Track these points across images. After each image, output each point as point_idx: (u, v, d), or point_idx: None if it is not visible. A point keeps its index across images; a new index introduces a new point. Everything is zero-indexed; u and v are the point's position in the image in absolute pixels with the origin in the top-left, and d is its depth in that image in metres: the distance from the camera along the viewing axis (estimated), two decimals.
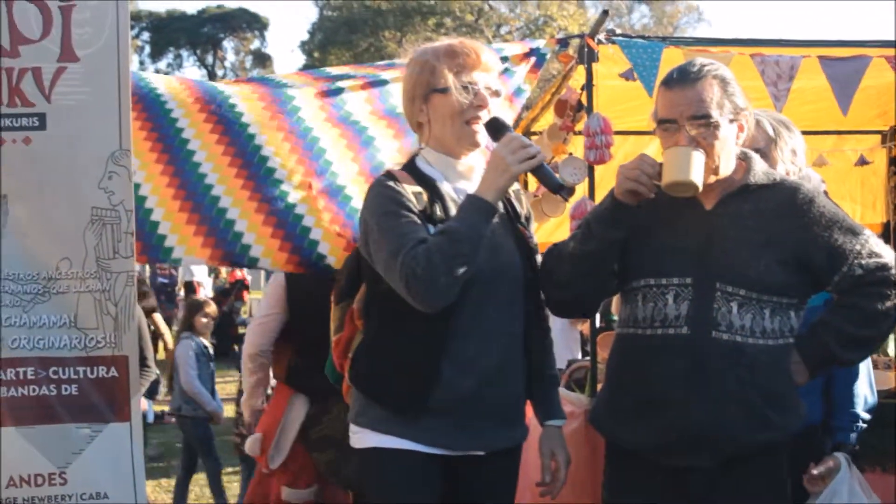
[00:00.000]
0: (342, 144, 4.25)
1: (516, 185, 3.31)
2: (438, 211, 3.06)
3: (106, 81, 3.45)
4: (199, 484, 7.91)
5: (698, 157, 2.97)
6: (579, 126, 5.50)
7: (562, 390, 5.02)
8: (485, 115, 3.11)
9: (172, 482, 7.88)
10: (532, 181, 6.70)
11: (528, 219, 3.35)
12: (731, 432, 3.05)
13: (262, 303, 4.75)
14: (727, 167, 3.13)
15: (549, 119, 6.19)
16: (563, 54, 5.39)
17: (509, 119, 4.60)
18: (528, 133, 6.98)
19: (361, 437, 3.14)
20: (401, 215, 3.00)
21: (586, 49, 4.97)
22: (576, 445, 4.05)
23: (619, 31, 5.10)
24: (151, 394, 10.04)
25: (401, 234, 2.96)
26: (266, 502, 4.57)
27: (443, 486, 3.17)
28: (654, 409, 3.11)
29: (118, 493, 3.50)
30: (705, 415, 3.04)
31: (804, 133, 6.66)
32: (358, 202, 3.92)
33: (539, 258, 3.33)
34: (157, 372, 7.01)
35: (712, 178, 3.09)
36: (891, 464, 4.53)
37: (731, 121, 3.08)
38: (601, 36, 4.96)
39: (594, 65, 4.98)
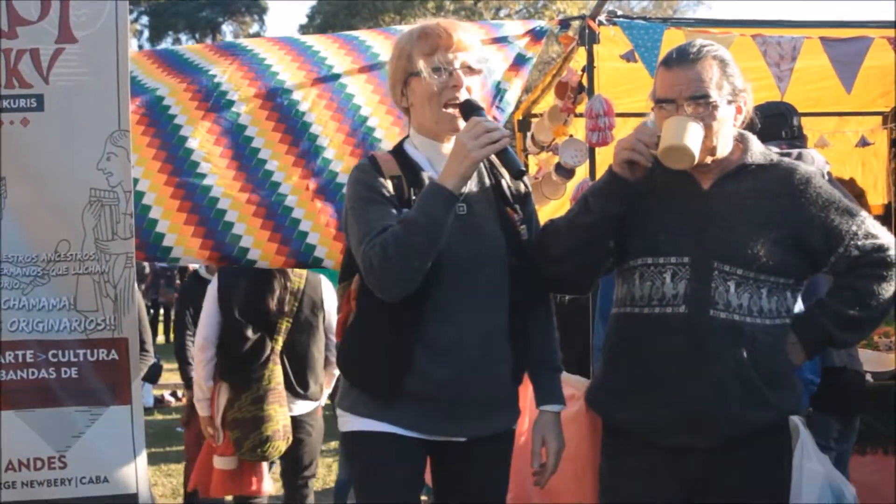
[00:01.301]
0: (340, 139, 4.29)
1: None
2: (415, 196, 3.01)
3: (105, 62, 3.44)
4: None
5: (696, 127, 2.95)
6: (580, 108, 5.48)
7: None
8: (463, 94, 3.06)
9: (172, 466, 7.90)
10: (533, 163, 6.73)
11: (524, 197, 3.29)
12: (730, 412, 3.03)
13: (204, 303, 5.36)
14: (724, 148, 3.12)
15: (549, 101, 6.17)
16: (563, 36, 5.37)
17: (516, 89, 4.60)
18: (528, 115, 6.97)
19: (344, 421, 3.13)
20: (372, 201, 2.99)
21: (587, 31, 4.95)
22: (577, 427, 4.04)
23: (619, 12, 5.07)
24: (153, 379, 10.01)
25: (366, 221, 2.95)
26: (209, 469, 5.42)
27: (429, 469, 3.17)
28: (652, 388, 3.09)
29: (118, 477, 3.50)
30: (703, 394, 3.02)
31: (806, 114, 6.69)
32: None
33: (526, 235, 3.22)
34: (156, 358, 6.95)
35: (709, 159, 3.08)
36: (892, 446, 4.53)
37: (730, 102, 3.07)
38: (602, 17, 4.94)
39: (595, 46, 4.96)
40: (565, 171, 5.92)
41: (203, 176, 4.13)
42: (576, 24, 5.20)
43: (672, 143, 2.94)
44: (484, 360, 3.04)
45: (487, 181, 3.18)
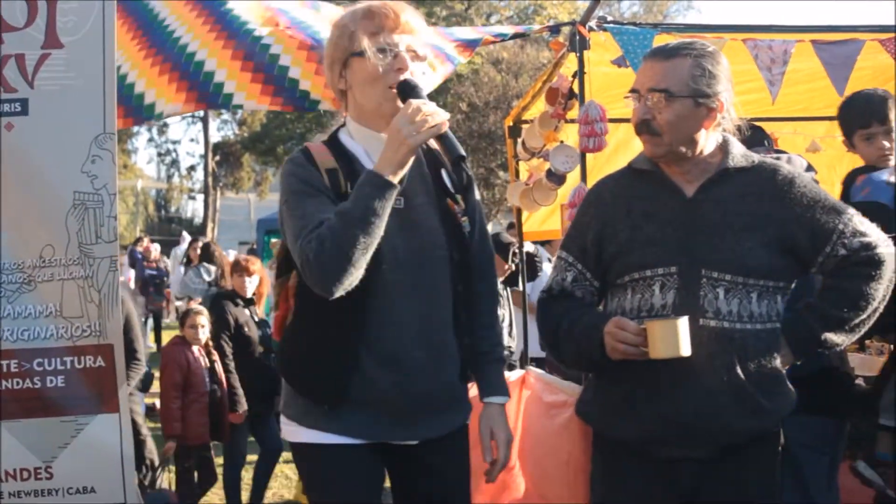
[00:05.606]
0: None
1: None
2: (352, 189, 2.85)
3: (91, 67, 3.43)
4: None
5: (683, 326, 2.92)
6: (571, 114, 5.46)
7: (554, 378, 5.00)
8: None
9: (162, 473, 7.83)
10: (523, 169, 6.70)
11: (466, 187, 3.14)
12: (723, 421, 3.02)
13: None
14: (685, 145, 3.09)
15: (540, 107, 6.14)
16: (554, 41, 5.35)
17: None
18: (519, 122, 6.94)
19: (290, 431, 3.03)
20: (307, 195, 2.86)
21: (578, 36, 4.92)
22: (569, 434, 4.02)
23: (609, 18, 5.05)
24: (145, 387, 9.92)
25: (302, 215, 2.81)
26: None
27: (387, 471, 3.07)
28: (643, 399, 3.08)
29: (106, 487, 3.46)
30: (696, 404, 3.01)
31: (797, 119, 6.66)
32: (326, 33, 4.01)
33: (468, 228, 3.10)
34: (147, 367, 6.91)
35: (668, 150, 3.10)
36: None
37: (698, 103, 3.06)
38: (592, 23, 4.91)
39: (585, 52, 4.94)
40: (556, 177, 5.89)
41: (179, 38, 4.19)
42: (566, 29, 5.17)
43: (665, 355, 2.92)
44: (430, 360, 2.95)
45: (427, 171, 3.07)
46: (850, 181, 4.08)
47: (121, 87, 3.95)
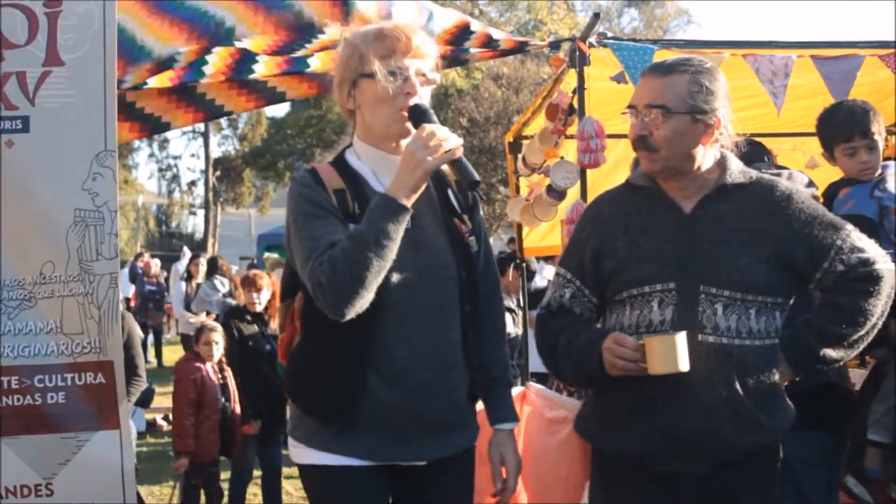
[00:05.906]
0: None
1: None
2: (359, 210, 2.87)
3: (92, 84, 3.44)
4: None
5: (681, 341, 2.92)
6: (571, 130, 5.47)
7: (553, 394, 5.00)
8: (415, 102, 2.91)
9: (165, 490, 7.83)
10: (524, 185, 6.71)
11: (472, 207, 3.16)
12: (721, 436, 3.02)
13: None
14: (680, 161, 3.10)
15: (540, 123, 6.15)
16: (554, 57, 5.36)
17: None
18: (519, 138, 6.96)
19: (298, 453, 3.02)
20: (317, 216, 2.85)
21: (578, 52, 4.93)
22: (569, 450, 4.01)
23: (609, 34, 5.06)
24: (145, 403, 9.91)
25: (312, 237, 2.80)
26: None
27: (393, 494, 3.06)
28: (642, 415, 3.07)
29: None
30: (694, 420, 3.01)
31: (796, 135, 6.67)
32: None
33: (475, 247, 3.11)
34: (148, 382, 6.92)
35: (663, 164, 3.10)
36: None
37: (695, 119, 3.06)
38: (592, 39, 4.93)
39: (585, 68, 4.95)
40: (556, 193, 5.90)
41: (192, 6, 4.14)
42: (566, 45, 5.19)
43: (662, 371, 2.93)
44: (438, 381, 2.94)
45: (433, 192, 3.07)
46: (831, 194, 4.08)
47: (122, 40, 3.87)
